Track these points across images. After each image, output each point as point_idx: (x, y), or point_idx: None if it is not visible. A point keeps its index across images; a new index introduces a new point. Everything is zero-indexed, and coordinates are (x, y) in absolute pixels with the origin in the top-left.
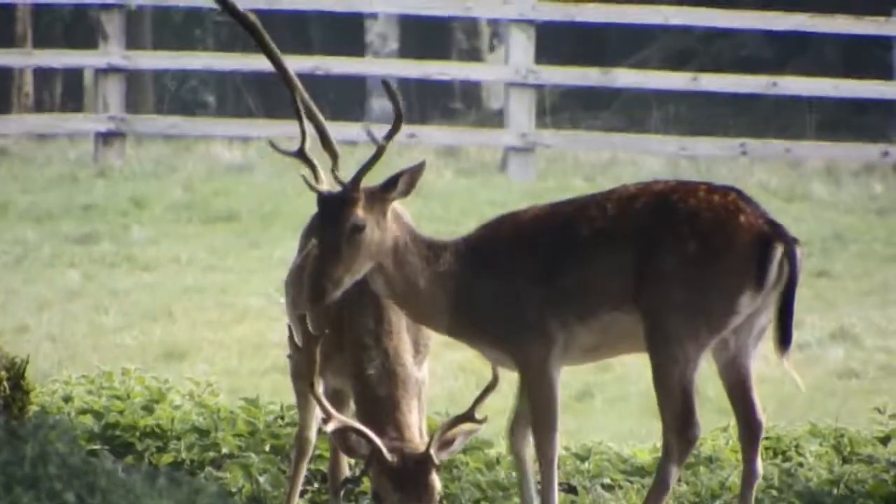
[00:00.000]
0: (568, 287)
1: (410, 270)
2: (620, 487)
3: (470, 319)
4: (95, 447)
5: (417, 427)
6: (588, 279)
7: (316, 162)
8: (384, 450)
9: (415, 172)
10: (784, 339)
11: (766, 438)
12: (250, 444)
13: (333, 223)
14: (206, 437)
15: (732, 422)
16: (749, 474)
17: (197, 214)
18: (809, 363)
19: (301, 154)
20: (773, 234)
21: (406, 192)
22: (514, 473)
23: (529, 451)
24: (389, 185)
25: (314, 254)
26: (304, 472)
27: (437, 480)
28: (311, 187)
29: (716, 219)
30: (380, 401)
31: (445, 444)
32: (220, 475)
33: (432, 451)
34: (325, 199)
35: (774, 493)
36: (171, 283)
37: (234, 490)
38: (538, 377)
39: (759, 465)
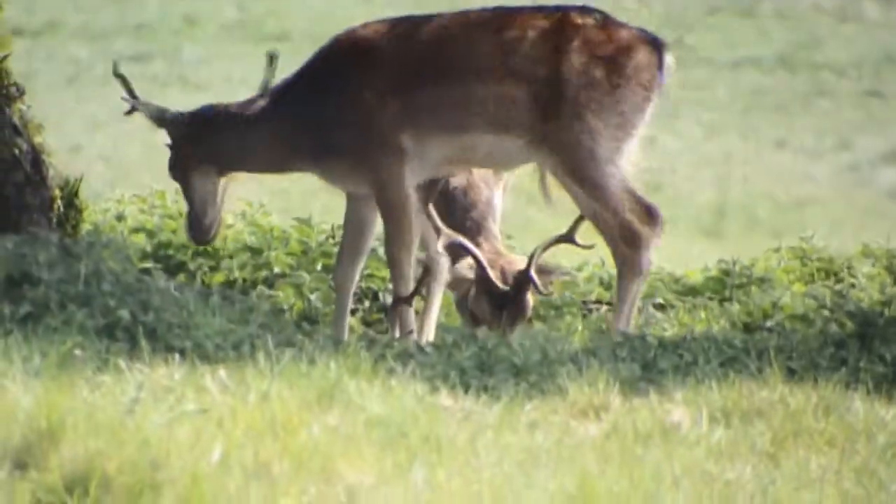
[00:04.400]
0: (435, 104)
1: None
2: (672, 307)
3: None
4: (148, 266)
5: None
6: (466, 101)
7: None
8: (490, 273)
9: None
10: None
11: (818, 259)
12: (302, 263)
13: None
14: (259, 256)
15: (784, 242)
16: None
17: (249, 34)
18: (860, 184)
19: None
20: (655, 40)
21: None
22: (562, 292)
23: (351, 285)
24: None
25: None
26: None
27: (530, 301)
28: None
29: (608, 38)
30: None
31: (544, 272)
32: (272, 293)
33: (532, 273)
34: None
35: (826, 313)
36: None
37: (285, 308)
38: (393, 194)
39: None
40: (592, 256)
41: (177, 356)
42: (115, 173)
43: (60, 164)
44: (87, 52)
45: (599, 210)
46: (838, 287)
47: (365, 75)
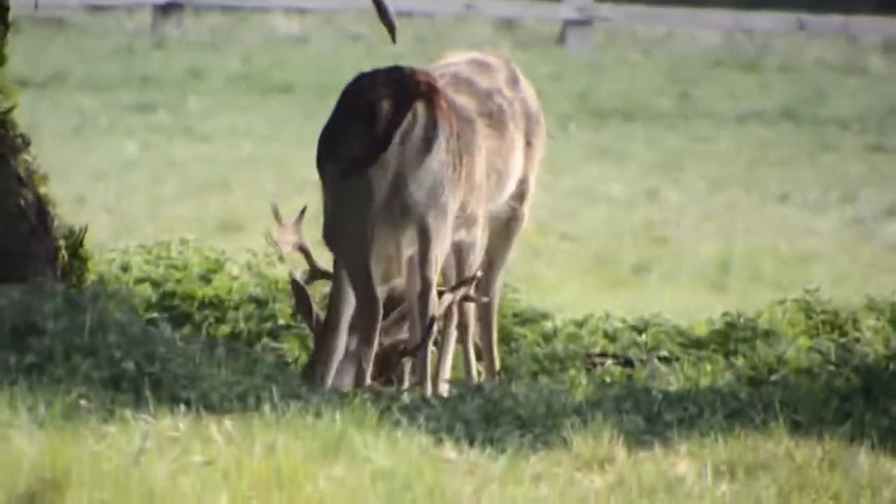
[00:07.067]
0: None
1: None
2: (677, 359)
3: None
4: (153, 316)
5: None
6: None
7: None
8: None
9: None
10: None
11: (823, 313)
12: None
13: None
14: (264, 307)
15: (789, 295)
16: None
17: (254, 85)
18: (864, 238)
19: None
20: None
21: None
22: (566, 345)
23: None
24: None
25: None
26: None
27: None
28: None
29: None
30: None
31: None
32: (277, 345)
33: None
34: None
35: (831, 367)
36: (228, 154)
37: (290, 360)
38: None
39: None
40: (596, 309)
41: (182, 407)
42: (120, 224)
43: (65, 214)
44: (91, 103)
45: None
46: (843, 341)
47: None
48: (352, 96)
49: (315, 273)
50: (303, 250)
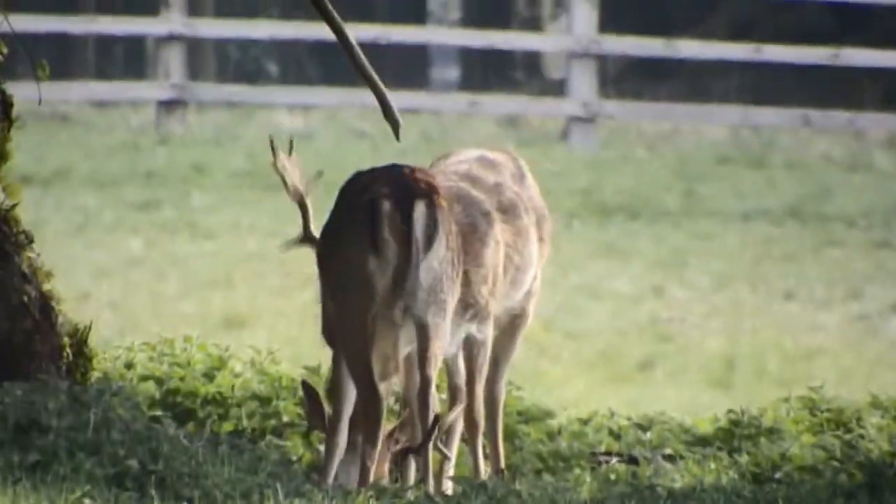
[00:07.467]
0: None
1: None
2: (682, 458)
3: None
4: (157, 414)
5: None
6: None
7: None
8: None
9: None
10: None
11: (828, 410)
12: None
13: None
14: (268, 405)
15: (794, 393)
16: None
17: (258, 182)
18: (870, 334)
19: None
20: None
21: None
22: (570, 443)
23: None
24: None
25: None
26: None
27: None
28: None
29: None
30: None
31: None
32: (281, 443)
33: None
34: None
35: (836, 464)
36: (232, 250)
37: (294, 458)
38: None
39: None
40: (601, 406)
41: None
42: (124, 321)
43: (69, 311)
44: (95, 199)
45: None
46: (848, 437)
47: None
48: (351, 194)
49: (307, 237)
50: (301, 205)
